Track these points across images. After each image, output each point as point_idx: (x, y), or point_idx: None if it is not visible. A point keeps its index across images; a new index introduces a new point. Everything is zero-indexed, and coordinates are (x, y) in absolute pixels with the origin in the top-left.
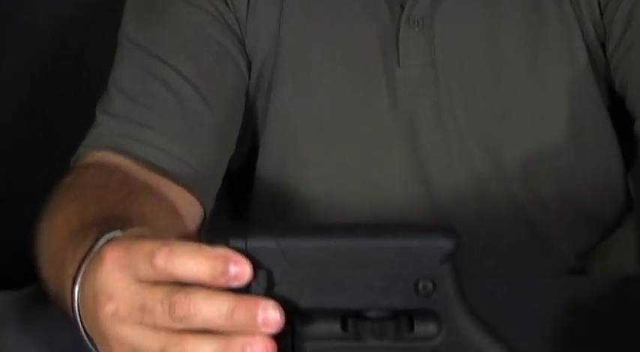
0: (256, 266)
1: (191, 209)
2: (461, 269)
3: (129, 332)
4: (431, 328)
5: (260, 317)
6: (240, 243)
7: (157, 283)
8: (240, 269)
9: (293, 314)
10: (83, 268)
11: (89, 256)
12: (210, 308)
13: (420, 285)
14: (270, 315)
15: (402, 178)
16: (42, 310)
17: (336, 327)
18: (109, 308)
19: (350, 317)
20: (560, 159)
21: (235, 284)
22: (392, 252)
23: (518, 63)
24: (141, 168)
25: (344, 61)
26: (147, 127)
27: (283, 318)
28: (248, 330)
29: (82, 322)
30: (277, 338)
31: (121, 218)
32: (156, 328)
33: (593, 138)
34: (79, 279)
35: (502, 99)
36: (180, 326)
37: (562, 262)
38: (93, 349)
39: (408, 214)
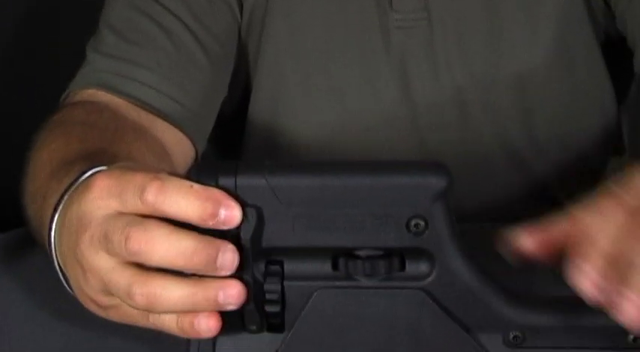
0: (245, 203)
1: (182, 149)
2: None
3: (102, 264)
4: (423, 267)
5: (219, 260)
6: (230, 181)
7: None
8: (230, 213)
9: (282, 253)
10: (66, 198)
11: (74, 186)
12: (168, 247)
13: (412, 223)
14: (227, 258)
15: (394, 119)
16: (28, 252)
17: (326, 266)
18: (87, 234)
19: (341, 257)
20: (552, 95)
21: (223, 227)
22: (384, 189)
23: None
24: (131, 107)
25: (337, 1)
26: (138, 65)
27: (237, 261)
28: (209, 272)
29: (56, 254)
30: (266, 278)
31: (107, 154)
32: (120, 261)
33: (586, 74)
34: (60, 208)
35: (494, 33)
36: (134, 259)
37: (554, 208)
38: (64, 282)
39: (398, 155)
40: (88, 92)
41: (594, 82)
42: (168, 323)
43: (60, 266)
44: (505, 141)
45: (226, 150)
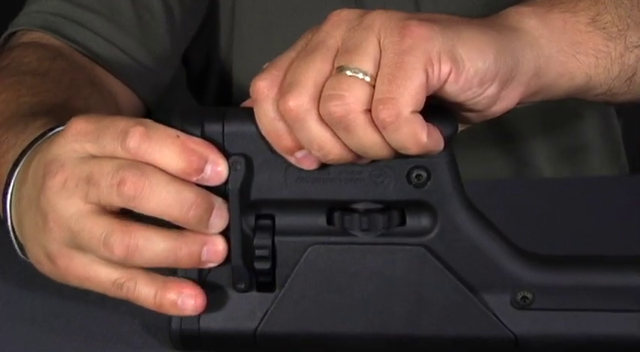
0: (233, 152)
1: (132, 106)
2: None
3: (73, 210)
4: (424, 222)
5: (212, 218)
6: (217, 128)
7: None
8: (216, 169)
9: (273, 206)
10: (29, 152)
11: (39, 142)
12: (167, 195)
13: (414, 174)
14: (220, 216)
15: None
16: None
17: (321, 220)
18: (58, 178)
19: (336, 210)
20: None
21: (208, 183)
22: None
23: None
24: (82, 57)
25: None
26: (88, 10)
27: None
28: (199, 229)
29: (11, 212)
30: (255, 233)
31: (67, 109)
32: (100, 207)
33: None
34: (21, 163)
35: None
36: (124, 205)
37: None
38: (16, 246)
39: None
40: (33, 34)
41: None
42: (144, 297)
43: (13, 226)
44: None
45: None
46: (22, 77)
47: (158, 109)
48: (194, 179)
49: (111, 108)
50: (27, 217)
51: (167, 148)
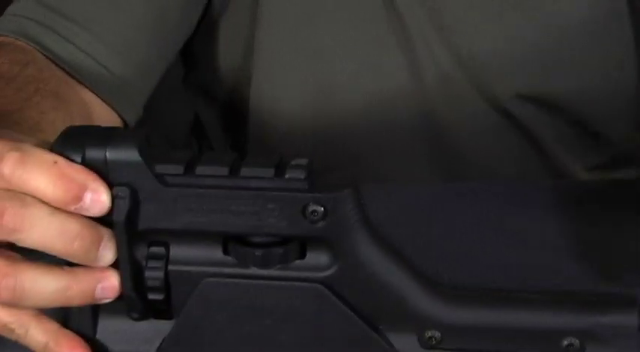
0: (118, 181)
1: (107, 120)
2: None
3: None
4: (322, 258)
5: (101, 250)
6: (99, 154)
7: None
8: (97, 200)
9: (166, 235)
10: None
11: None
12: (48, 226)
13: (309, 210)
14: (109, 248)
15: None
16: None
17: (216, 251)
18: None
19: (232, 242)
20: (574, 62)
21: (89, 214)
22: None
23: None
24: (54, 65)
25: None
26: (65, 17)
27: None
28: (87, 262)
29: None
30: (147, 262)
31: (9, 120)
32: None
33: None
34: None
35: None
36: (6, 237)
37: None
38: None
39: (404, 133)
40: (7, 39)
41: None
42: (34, 345)
43: None
44: (519, 117)
45: (234, 137)
46: None
47: (146, 118)
48: (72, 208)
49: (76, 123)
50: None
51: (42, 175)
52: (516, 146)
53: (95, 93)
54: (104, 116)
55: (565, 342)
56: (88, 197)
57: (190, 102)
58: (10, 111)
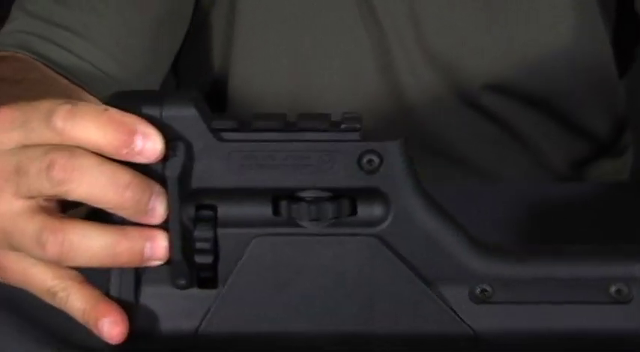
0: (173, 137)
1: None
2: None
3: (3, 209)
4: (376, 211)
5: (151, 203)
6: (155, 111)
7: None
8: (148, 143)
9: (215, 196)
10: None
11: None
12: (99, 176)
13: (365, 160)
14: (159, 202)
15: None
16: None
17: (266, 210)
18: None
19: (282, 199)
20: (551, 65)
21: (141, 159)
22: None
23: None
24: (56, 74)
25: None
26: (64, 28)
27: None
28: (137, 215)
29: None
30: (196, 224)
31: None
32: (34, 204)
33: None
34: None
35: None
36: (55, 191)
37: (553, 173)
38: None
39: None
40: (7, 53)
41: (595, 49)
42: (75, 311)
43: None
44: (498, 113)
45: None
46: None
47: None
48: (124, 152)
49: None
50: None
51: (92, 122)
52: (497, 141)
53: (96, 97)
54: None
55: (613, 288)
56: (138, 142)
57: None
58: None
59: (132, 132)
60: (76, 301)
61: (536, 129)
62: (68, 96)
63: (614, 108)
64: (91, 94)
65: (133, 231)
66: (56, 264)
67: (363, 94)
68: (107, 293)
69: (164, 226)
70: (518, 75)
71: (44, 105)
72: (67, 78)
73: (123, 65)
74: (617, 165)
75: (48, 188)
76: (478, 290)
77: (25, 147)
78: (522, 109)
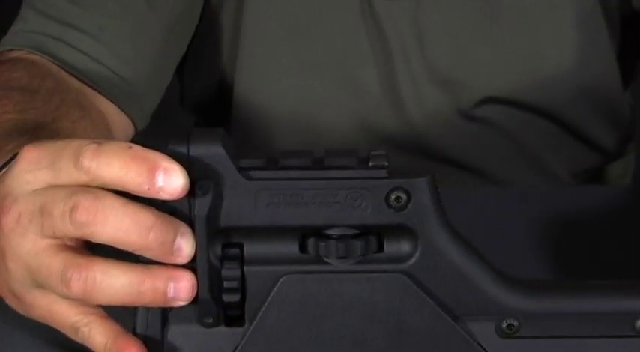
0: (201, 175)
1: (122, 127)
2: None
3: (29, 247)
4: (404, 247)
5: (176, 243)
6: (182, 149)
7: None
8: (171, 180)
9: (242, 234)
10: None
11: (4, 169)
12: (123, 219)
13: (393, 197)
14: (185, 243)
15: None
16: None
17: (293, 248)
18: (12, 214)
19: (310, 237)
20: (555, 78)
21: (164, 196)
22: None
23: None
24: (69, 76)
25: None
26: (76, 29)
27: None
28: (163, 256)
29: None
30: (223, 263)
31: (48, 130)
32: (58, 242)
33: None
34: None
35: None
36: (78, 234)
37: (557, 182)
38: None
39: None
40: (20, 52)
41: (600, 59)
42: (96, 345)
43: None
44: (501, 125)
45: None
46: (10, 92)
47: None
48: (146, 188)
49: (100, 132)
50: None
51: (116, 159)
52: (500, 152)
53: (111, 101)
54: (119, 123)
55: (639, 323)
56: (160, 176)
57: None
58: (46, 122)
59: (154, 169)
60: (98, 335)
61: (540, 140)
62: (81, 104)
63: (618, 119)
64: (105, 97)
65: (157, 271)
66: (80, 301)
67: (364, 105)
68: (134, 331)
69: (191, 265)
70: (522, 87)
71: (72, 145)
72: (81, 80)
73: (135, 68)
74: (619, 169)
75: (72, 230)
76: (505, 325)
77: (52, 187)
78: (526, 121)
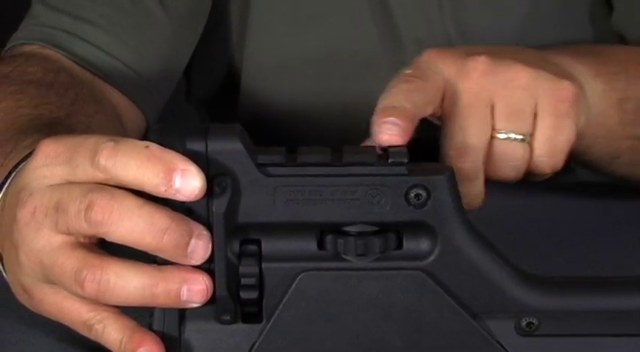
0: (219, 172)
1: (134, 120)
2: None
3: (43, 243)
4: (423, 245)
5: (191, 246)
6: (200, 146)
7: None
8: (188, 182)
9: (260, 231)
10: (13, 176)
11: (22, 164)
12: (138, 220)
13: (412, 194)
14: (200, 245)
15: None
16: None
17: (312, 245)
18: (27, 208)
19: (328, 234)
20: None
21: (180, 197)
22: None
23: None
24: (83, 70)
25: None
26: (87, 22)
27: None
28: (177, 258)
29: None
30: (241, 259)
31: (63, 125)
32: (72, 240)
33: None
34: (5, 186)
35: None
36: (92, 232)
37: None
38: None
39: None
40: (33, 46)
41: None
42: (111, 342)
43: None
44: None
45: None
46: (25, 86)
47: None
48: (162, 190)
49: (114, 126)
50: (5, 246)
51: (133, 159)
52: None
53: (124, 94)
54: (131, 116)
55: None
56: (177, 178)
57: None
58: (61, 117)
59: (171, 170)
60: (113, 332)
61: None
62: (96, 98)
63: None
64: (117, 90)
65: (171, 274)
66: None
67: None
68: (150, 328)
69: (208, 265)
70: None
71: (89, 142)
72: (94, 74)
73: (147, 61)
74: None
75: (86, 228)
76: (524, 323)
77: (68, 183)
78: None
